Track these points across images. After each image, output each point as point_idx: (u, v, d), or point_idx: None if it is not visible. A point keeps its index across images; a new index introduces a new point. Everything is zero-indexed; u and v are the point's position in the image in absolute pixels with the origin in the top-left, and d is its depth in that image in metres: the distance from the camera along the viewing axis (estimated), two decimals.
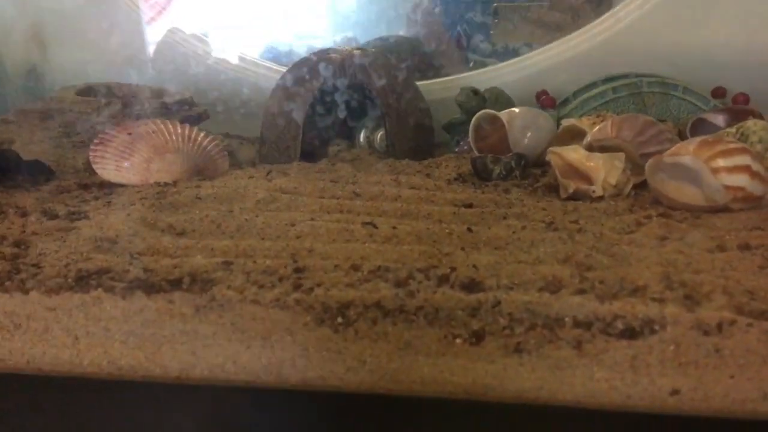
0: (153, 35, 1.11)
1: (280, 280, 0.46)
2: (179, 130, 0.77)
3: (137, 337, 0.45)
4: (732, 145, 0.59)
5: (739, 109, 0.77)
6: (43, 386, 0.46)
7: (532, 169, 0.76)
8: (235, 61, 1.09)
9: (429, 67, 1.20)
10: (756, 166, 0.59)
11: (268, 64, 1.06)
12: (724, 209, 0.59)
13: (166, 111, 0.85)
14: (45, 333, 0.46)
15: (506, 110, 0.80)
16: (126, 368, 0.46)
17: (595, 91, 0.86)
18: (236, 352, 0.45)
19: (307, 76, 0.82)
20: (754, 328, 0.39)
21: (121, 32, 1.10)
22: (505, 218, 0.59)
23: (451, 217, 0.60)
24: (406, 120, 0.82)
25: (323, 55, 0.83)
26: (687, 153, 0.61)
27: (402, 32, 1.29)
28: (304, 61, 0.84)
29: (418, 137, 0.83)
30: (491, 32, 1.09)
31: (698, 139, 0.62)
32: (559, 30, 1.05)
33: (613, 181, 0.66)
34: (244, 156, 0.90)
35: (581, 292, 0.42)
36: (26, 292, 0.45)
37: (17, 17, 1.13)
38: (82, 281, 0.47)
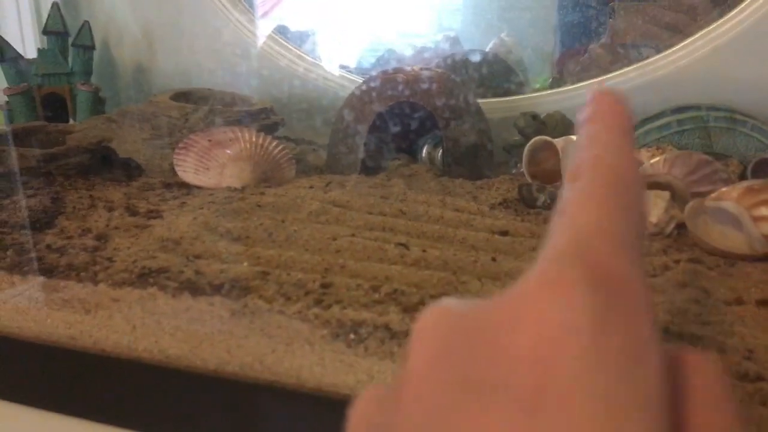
0: (263, 30, 1.20)
1: (306, 294, 0.51)
2: (253, 139, 0.85)
3: (183, 332, 0.52)
4: None
5: None
6: (104, 364, 0.54)
7: None
8: (321, 71, 1.16)
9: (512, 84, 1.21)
10: None
11: (352, 76, 1.12)
12: (765, 258, 0.58)
13: (247, 118, 0.93)
14: (109, 320, 0.53)
15: (563, 137, 0.81)
16: (173, 357, 0.53)
17: (659, 122, 0.85)
18: (263, 354, 0.50)
19: (373, 94, 0.87)
20: (738, 389, 0.40)
21: (220, 39, 1.20)
22: (534, 249, 0.61)
23: (483, 244, 0.63)
24: (463, 141, 0.85)
25: (389, 74, 0.88)
26: (730, 198, 0.60)
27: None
28: (372, 79, 0.89)
29: (474, 158, 0.86)
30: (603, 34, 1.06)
31: (744, 184, 0.61)
32: (677, 31, 1.02)
33: (654, 219, 0.66)
34: (314, 162, 0.97)
35: None
36: (96, 283, 0.54)
37: (131, 19, 1.26)
38: (143, 278, 0.54)
